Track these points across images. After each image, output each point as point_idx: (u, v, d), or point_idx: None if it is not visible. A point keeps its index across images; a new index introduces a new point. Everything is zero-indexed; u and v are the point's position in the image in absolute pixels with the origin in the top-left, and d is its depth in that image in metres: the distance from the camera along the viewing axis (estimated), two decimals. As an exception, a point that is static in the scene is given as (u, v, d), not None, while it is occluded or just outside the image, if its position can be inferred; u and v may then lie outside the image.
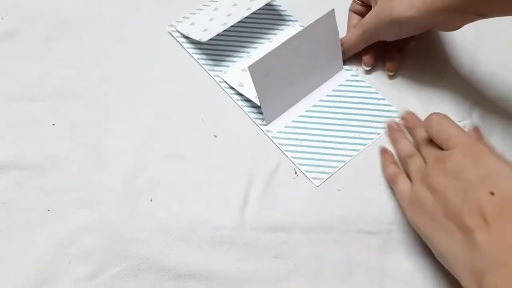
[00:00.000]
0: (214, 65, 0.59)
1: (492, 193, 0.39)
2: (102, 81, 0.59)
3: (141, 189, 0.53)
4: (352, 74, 0.58)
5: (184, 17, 0.62)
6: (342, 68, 0.58)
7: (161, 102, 0.58)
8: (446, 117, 0.46)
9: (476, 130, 0.50)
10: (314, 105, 0.56)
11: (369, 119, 0.55)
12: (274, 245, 0.49)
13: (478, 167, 0.41)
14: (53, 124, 0.57)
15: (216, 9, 0.61)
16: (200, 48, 0.60)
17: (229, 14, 0.59)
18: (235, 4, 0.60)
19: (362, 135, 0.54)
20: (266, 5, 0.58)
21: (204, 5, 0.63)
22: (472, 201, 0.39)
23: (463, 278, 0.39)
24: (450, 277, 0.42)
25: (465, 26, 0.50)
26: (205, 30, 0.58)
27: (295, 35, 0.52)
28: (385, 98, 0.56)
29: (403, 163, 0.50)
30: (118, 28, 0.63)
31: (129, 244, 0.50)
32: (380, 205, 0.51)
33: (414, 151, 0.49)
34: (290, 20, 0.61)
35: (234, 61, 0.59)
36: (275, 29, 0.61)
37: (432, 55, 0.59)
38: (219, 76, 0.58)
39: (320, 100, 0.56)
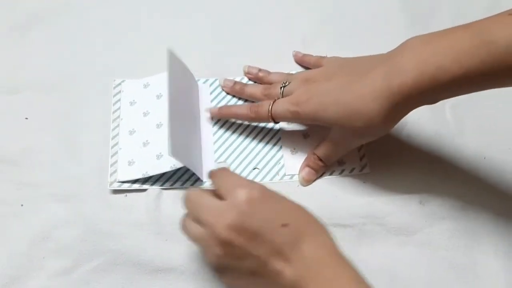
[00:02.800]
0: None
1: (284, 225, 0.39)
2: (75, 73, 0.59)
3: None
4: (203, 82, 0.59)
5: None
6: (197, 84, 0.59)
7: (136, 95, 0.57)
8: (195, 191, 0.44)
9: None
10: (214, 133, 0.56)
11: None
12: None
13: (261, 207, 0.40)
14: (26, 118, 0.56)
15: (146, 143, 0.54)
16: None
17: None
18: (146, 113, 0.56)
19: None
20: None
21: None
22: (270, 245, 0.39)
23: None
24: (423, 267, 0.43)
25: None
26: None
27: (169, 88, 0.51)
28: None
29: None
30: (90, 19, 0.62)
31: (105, 239, 0.49)
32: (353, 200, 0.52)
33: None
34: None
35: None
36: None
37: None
38: None
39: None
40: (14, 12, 0.62)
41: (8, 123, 0.55)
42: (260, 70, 0.58)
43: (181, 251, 0.49)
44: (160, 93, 0.56)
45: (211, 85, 0.59)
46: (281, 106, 0.51)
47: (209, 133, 0.56)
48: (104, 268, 0.48)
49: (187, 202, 0.43)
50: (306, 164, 0.53)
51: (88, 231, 0.50)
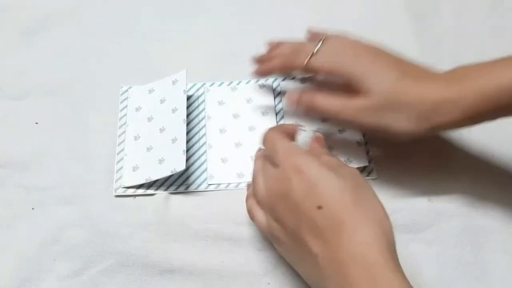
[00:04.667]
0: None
1: (319, 207, 0.38)
2: (82, 78, 0.59)
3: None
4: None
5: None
6: None
7: (143, 98, 0.58)
8: (277, 131, 0.45)
9: (317, 139, 0.46)
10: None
11: None
12: (258, 238, 0.50)
13: (301, 182, 0.39)
14: (36, 123, 0.56)
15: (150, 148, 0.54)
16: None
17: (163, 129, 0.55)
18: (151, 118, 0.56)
19: None
20: None
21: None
22: (305, 221, 0.38)
23: None
24: (431, 264, 0.43)
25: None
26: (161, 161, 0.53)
27: None
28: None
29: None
30: (97, 25, 0.63)
31: (114, 240, 0.50)
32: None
33: (254, 175, 0.46)
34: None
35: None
36: None
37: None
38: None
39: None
40: (22, 18, 0.63)
41: (18, 128, 0.56)
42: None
43: (189, 251, 0.49)
44: (163, 98, 0.56)
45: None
46: (323, 55, 0.48)
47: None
48: (113, 269, 0.49)
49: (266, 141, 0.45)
50: (302, 94, 0.50)
51: (97, 233, 0.50)
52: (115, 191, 0.52)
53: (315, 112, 0.49)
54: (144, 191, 0.52)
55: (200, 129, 0.56)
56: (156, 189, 0.52)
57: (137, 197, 0.52)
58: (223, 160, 0.54)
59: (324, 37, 0.50)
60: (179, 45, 0.61)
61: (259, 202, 0.44)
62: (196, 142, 0.55)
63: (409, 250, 0.49)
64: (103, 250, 0.49)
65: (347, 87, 0.47)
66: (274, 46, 0.54)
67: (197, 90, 0.59)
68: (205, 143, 0.55)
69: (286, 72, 0.56)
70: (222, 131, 0.56)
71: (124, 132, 0.56)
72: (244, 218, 0.50)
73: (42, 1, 0.64)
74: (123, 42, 0.62)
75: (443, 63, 0.57)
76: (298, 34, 0.60)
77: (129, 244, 0.50)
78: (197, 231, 0.50)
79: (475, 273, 0.48)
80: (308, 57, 0.48)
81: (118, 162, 0.54)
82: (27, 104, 0.58)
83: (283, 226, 0.40)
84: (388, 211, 0.49)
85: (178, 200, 0.52)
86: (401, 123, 0.45)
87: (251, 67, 0.54)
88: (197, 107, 0.58)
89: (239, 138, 0.55)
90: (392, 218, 0.49)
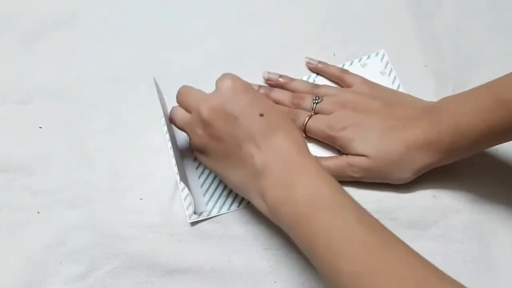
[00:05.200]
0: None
1: (261, 115, 0.44)
2: (85, 81, 0.59)
3: (128, 185, 0.53)
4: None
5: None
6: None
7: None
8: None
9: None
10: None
11: None
12: (264, 237, 0.50)
13: (243, 96, 0.45)
14: (40, 127, 0.57)
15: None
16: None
17: None
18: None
19: None
20: None
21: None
22: (246, 129, 0.44)
23: (254, 199, 0.45)
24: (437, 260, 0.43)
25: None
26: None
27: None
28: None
29: None
30: (99, 28, 0.63)
31: (120, 242, 0.50)
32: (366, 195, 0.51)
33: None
34: None
35: None
36: None
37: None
38: None
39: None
40: (25, 22, 0.63)
41: (22, 132, 0.56)
42: (281, 76, 0.57)
43: (195, 251, 0.49)
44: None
45: None
46: (317, 125, 0.52)
47: (192, 165, 0.54)
48: (120, 271, 0.49)
49: (179, 95, 0.49)
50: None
51: (102, 235, 0.50)
52: (189, 217, 0.51)
53: None
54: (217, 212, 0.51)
55: None
56: (228, 209, 0.52)
57: (144, 199, 0.52)
58: None
59: (318, 98, 0.54)
60: (182, 47, 0.61)
61: (190, 123, 0.47)
62: None
63: (415, 246, 0.48)
64: (108, 252, 0.50)
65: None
66: (274, 84, 0.57)
67: None
68: None
69: None
70: None
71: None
72: (250, 217, 0.50)
73: (44, 5, 0.64)
74: (126, 45, 0.62)
75: (443, 63, 0.58)
76: (298, 34, 0.61)
77: (134, 245, 0.50)
78: (203, 231, 0.50)
79: (482, 268, 0.48)
80: (306, 120, 0.53)
81: (182, 190, 0.53)
82: (30, 108, 0.58)
83: (219, 139, 0.45)
84: (393, 207, 0.50)
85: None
86: (397, 175, 0.50)
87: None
88: None
89: None
90: (397, 214, 0.50)
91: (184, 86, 0.49)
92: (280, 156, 0.43)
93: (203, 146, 0.47)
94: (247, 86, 0.46)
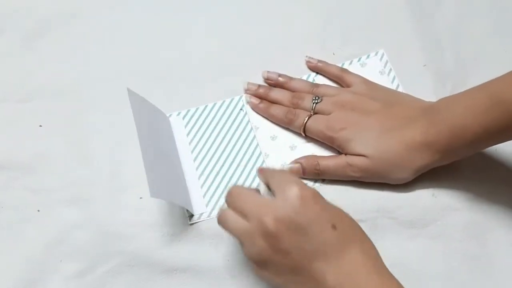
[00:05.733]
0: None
1: (333, 226, 0.40)
2: (86, 80, 0.59)
3: (128, 184, 0.53)
4: (176, 115, 0.57)
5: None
6: (167, 119, 0.57)
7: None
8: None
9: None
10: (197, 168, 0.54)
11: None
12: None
13: (314, 205, 0.40)
14: (40, 126, 0.57)
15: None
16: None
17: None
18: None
19: None
20: None
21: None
22: (317, 243, 0.39)
23: None
24: (436, 259, 0.43)
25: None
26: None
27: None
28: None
29: None
30: (100, 26, 0.63)
31: (119, 240, 0.50)
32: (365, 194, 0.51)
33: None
34: None
35: None
36: None
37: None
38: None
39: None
40: (25, 21, 0.64)
41: (22, 130, 0.57)
42: (280, 75, 0.57)
43: (195, 250, 0.49)
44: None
45: (184, 117, 0.57)
46: (316, 125, 0.52)
47: (192, 166, 0.54)
48: (119, 269, 0.49)
49: (230, 196, 0.43)
50: (299, 162, 0.52)
51: (102, 234, 0.50)
52: (189, 219, 0.51)
53: (321, 174, 0.52)
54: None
55: (252, 141, 0.55)
56: None
57: (143, 198, 0.52)
58: (283, 165, 0.53)
59: (317, 98, 0.53)
60: (182, 47, 0.61)
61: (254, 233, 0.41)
62: (251, 155, 0.55)
63: (414, 245, 0.49)
64: (108, 250, 0.50)
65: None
66: (273, 83, 0.57)
67: (237, 104, 0.58)
68: (260, 153, 0.54)
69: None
70: (273, 137, 0.55)
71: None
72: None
73: (45, 5, 0.64)
74: (126, 44, 0.62)
75: (443, 63, 0.58)
76: (297, 34, 0.61)
77: (134, 244, 0.50)
78: (203, 230, 0.50)
79: (481, 267, 0.48)
80: (306, 120, 0.52)
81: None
82: (31, 107, 0.58)
83: (286, 253, 0.40)
84: (392, 206, 0.50)
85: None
86: (396, 175, 0.50)
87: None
88: (241, 120, 0.57)
89: (292, 141, 0.55)
90: (396, 214, 0.50)
91: (235, 187, 0.44)
92: (356, 275, 0.39)
93: (264, 259, 0.41)
94: (316, 193, 0.41)
